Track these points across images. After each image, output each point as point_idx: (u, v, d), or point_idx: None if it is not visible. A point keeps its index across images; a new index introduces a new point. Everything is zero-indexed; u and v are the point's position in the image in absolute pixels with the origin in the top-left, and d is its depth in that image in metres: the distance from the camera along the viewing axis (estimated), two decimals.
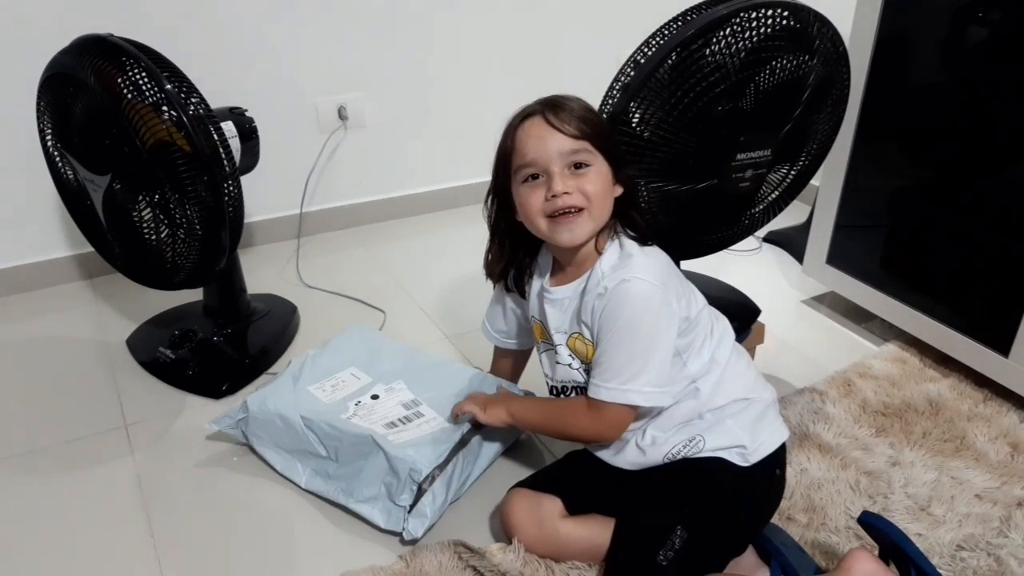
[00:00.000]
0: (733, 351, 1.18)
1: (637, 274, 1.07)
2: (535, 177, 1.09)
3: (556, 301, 1.17)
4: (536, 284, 1.22)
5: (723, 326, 1.20)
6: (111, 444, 1.43)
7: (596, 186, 1.08)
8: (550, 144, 1.07)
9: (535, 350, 1.28)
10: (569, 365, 1.17)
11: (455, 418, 1.30)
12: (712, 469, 1.10)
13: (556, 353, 1.19)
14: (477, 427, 1.31)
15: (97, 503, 1.30)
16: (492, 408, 1.25)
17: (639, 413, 1.12)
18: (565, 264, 1.17)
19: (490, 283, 1.31)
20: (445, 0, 2.22)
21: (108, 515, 1.28)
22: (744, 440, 1.10)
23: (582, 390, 1.17)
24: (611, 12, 2.45)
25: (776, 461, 1.14)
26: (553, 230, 1.10)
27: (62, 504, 1.30)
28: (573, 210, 1.08)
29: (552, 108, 1.09)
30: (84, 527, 1.25)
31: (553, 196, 1.07)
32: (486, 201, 1.20)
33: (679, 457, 1.12)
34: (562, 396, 1.23)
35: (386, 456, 1.22)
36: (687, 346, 1.12)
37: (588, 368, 1.15)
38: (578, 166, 1.08)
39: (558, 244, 1.12)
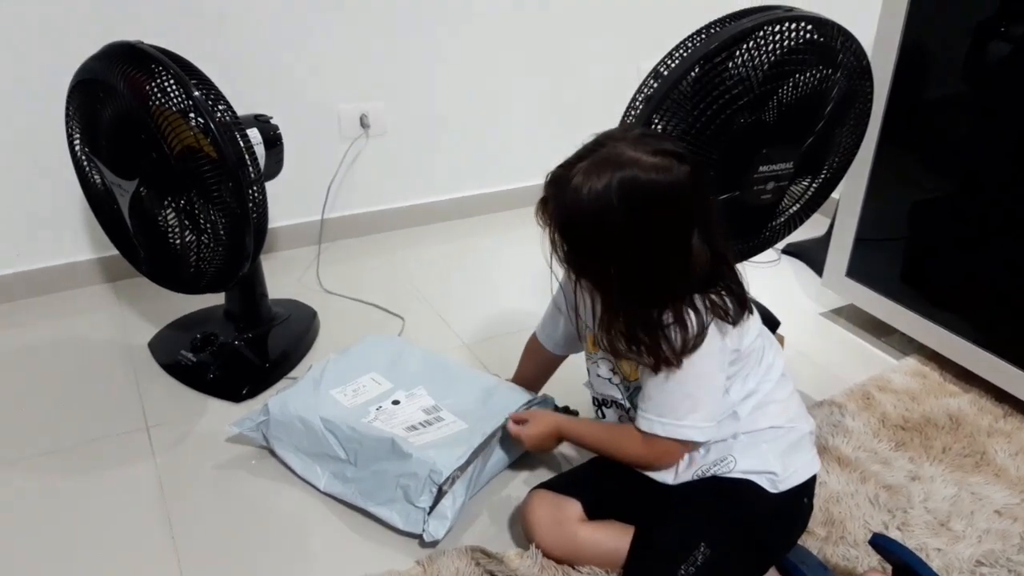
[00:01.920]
0: (780, 379, 1.15)
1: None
2: None
3: None
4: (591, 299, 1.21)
5: (773, 354, 1.16)
6: (133, 445, 1.45)
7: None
8: None
9: (585, 359, 1.26)
10: (609, 380, 1.18)
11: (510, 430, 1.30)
12: (740, 492, 1.09)
13: (598, 367, 1.19)
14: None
15: (118, 503, 1.31)
16: (536, 423, 1.26)
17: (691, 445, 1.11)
18: None
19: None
20: (468, 10, 2.23)
21: (129, 515, 1.29)
22: (776, 467, 1.09)
23: (619, 406, 1.18)
24: (633, 24, 2.45)
25: (805, 490, 1.13)
26: None
27: (84, 504, 1.31)
28: None
29: (545, 217, 1.07)
30: (105, 527, 1.27)
31: None
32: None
33: (708, 475, 1.11)
34: (603, 409, 1.24)
35: (406, 457, 1.22)
36: (733, 374, 1.10)
37: (628, 386, 1.15)
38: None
39: None
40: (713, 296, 1.05)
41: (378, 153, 2.29)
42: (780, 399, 1.14)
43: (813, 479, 1.14)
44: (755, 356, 1.12)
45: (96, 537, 1.25)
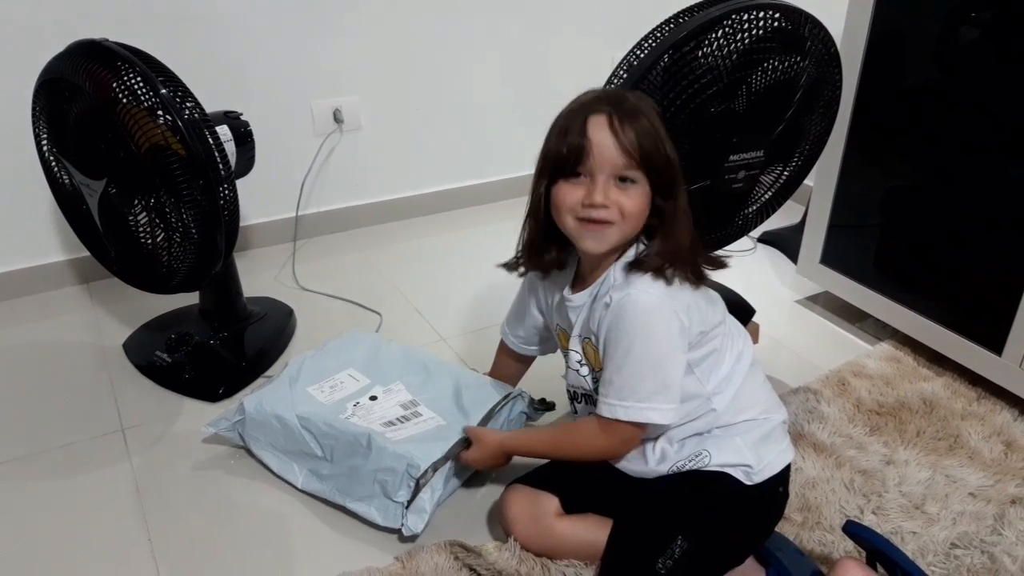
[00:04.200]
0: (751, 368, 1.16)
1: (642, 287, 1.04)
2: (578, 175, 1.05)
3: (575, 308, 1.15)
4: (558, 294, 1.20)
5: (742, 343, 1.17)
6: (108, 448, 1.43)
7: (635, 205, 1.04)
8: (605, 151, 1.02)
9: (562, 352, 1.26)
10: (578, 371, 1.17)
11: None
12: (716, 484, 1.09)
13: (567, 358, 1.19)
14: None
15: (94, 507, 1.30)
16: (478, 445, 1.24)
17: (652, 429, 1.11)
18: (586, 267, 1.15)
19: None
20: (440, 3, 2.22)
21: (105, 519, 1.28)
22: (750, 459, 1.09)
23: (588, 398, 1.18)
24: (605, 14, 2.45)
25: (780, 480, 1.13)
26: (580, 233, 1.06)
27: (59, 508, 1.30)
28: (604, 222, 1.05)
29: (621, 113, 1.02)
30: (81, 531, 1.25)
31: (591, 204, 1.04)
32: (536, 184, 1.11)
33: (684, 469, 1.12)
34: (575, 403, 1.24)
35: (383, 453, 1.22)
36: (701, 360, 1.10)
37: (596, 376, 1.15)
38: (623, 180, 1.04)
39: (581, 248, 1.10)
40: None
41: (352, 148, 2.28)
42: (753, 389, 1.15)
43: (788, 468, 1.15)
44: (721, 341, 1.13)
45: (72, 540, 1.23)
